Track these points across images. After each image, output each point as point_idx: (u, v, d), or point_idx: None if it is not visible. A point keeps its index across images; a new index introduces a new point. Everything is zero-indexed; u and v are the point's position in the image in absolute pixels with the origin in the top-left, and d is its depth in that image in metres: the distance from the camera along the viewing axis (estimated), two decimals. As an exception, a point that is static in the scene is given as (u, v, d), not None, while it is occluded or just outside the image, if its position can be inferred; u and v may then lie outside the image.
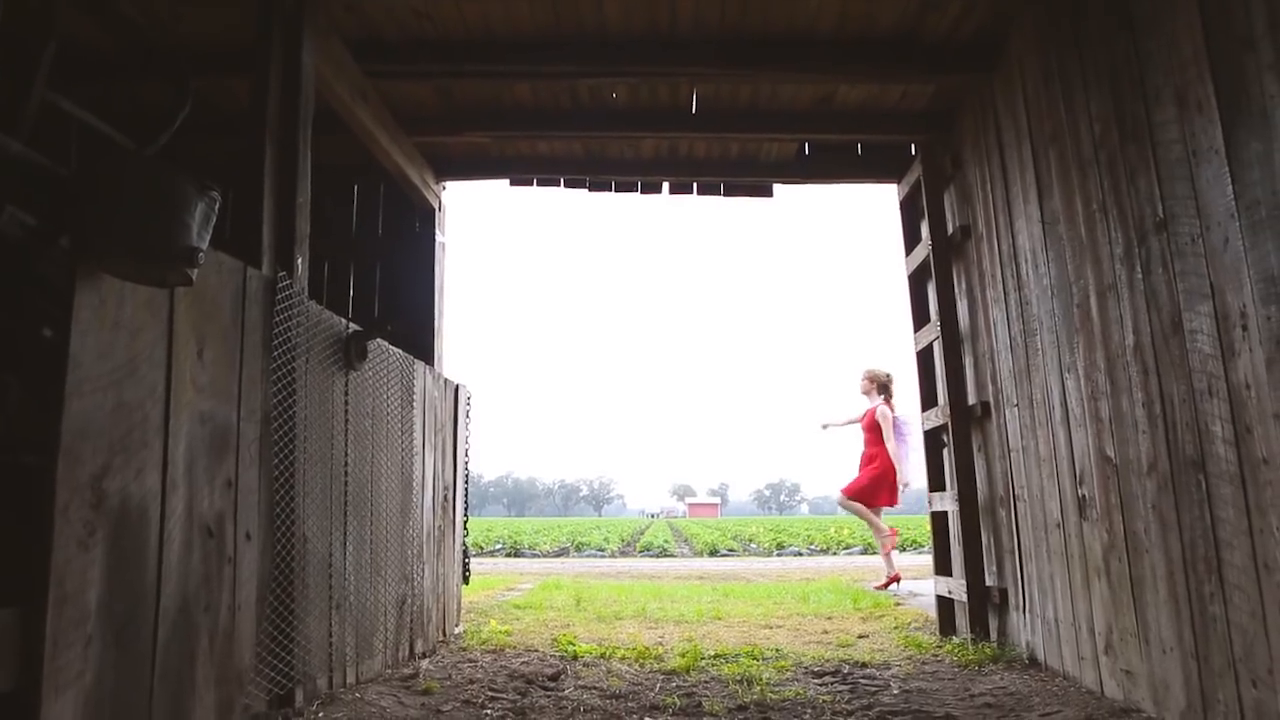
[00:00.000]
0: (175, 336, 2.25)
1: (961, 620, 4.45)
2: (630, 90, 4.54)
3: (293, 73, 3.20)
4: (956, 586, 4.46)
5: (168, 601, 2.19)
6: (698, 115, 4.70)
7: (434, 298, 5.22)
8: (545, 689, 3.33)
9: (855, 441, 7.05)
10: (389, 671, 3.53)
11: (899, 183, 5.14)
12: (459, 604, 4.83)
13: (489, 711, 2.96)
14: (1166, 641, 2.70)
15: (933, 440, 4.88)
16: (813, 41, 4.00)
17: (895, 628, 4.98)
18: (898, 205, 5.19)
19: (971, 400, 4.42)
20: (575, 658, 3.99)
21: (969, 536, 4.34)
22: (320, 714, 2.82)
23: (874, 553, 15.45)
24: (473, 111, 4.72)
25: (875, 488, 6.78)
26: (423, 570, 4.08)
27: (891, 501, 6.87)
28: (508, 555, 16.09)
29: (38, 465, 1.86)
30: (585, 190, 5.43)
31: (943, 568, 4.74)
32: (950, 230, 4.59)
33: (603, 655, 4.05)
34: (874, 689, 3.37)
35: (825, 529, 22.16)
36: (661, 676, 3.61)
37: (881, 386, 7.02)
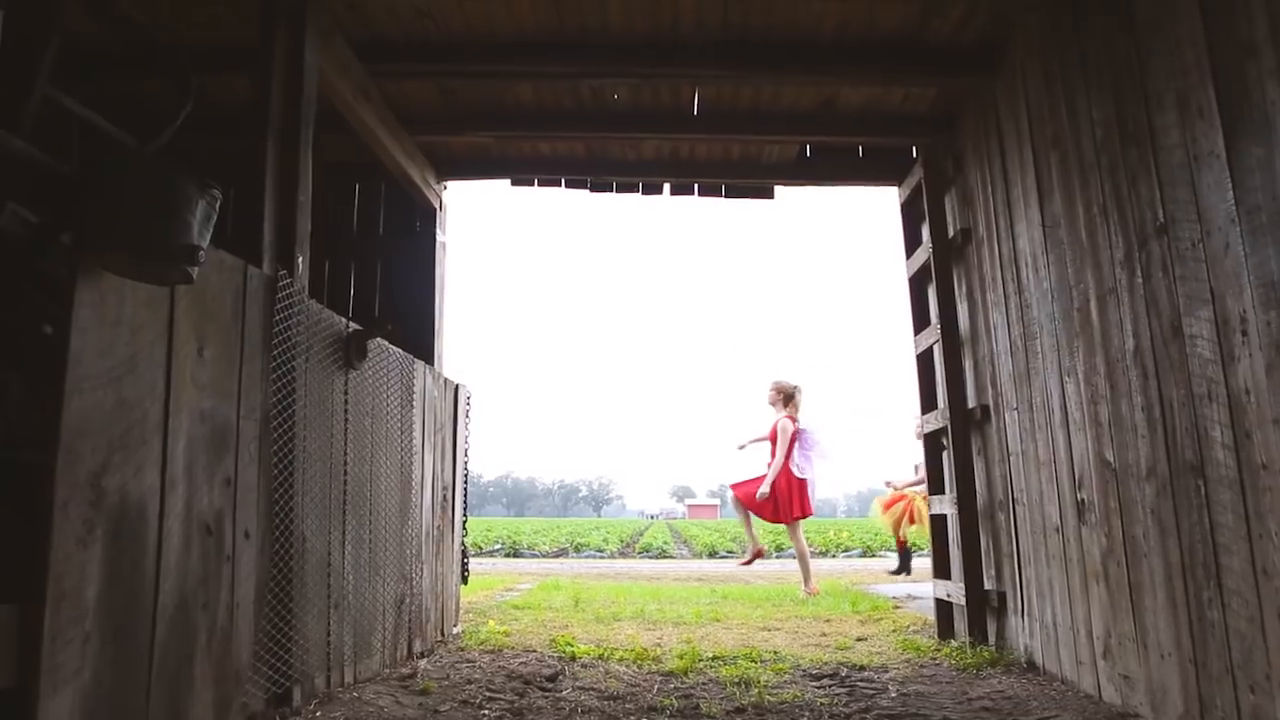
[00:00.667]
0: (175, 334, 2.25)
1: (960, 624, 4.45)
2: (632, 91, 4.54)
3: (295, 71, 3.20)
4: (955, 590, 4.46)
5: (166, 599, 2.19)
6: (699, 117, 4.71)
7: (434, 297, 5.22)
8: (543, 690, 3.33)
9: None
10: (387, 671, 3.53)
11: (900, 185, 5.14)
12: (457, 604, 4.83)
13: (486, 712, 2.96)
14: (1165, 646, 2.70)
15: (932, 443, 4.88)
16: (815, 44, 4.00)
17: (893, 631, 4.99)
18: (898, 208, 5.19)
19: (971, 403, 4.42)
20: (573, 659, 3.99)
21: (968, 540, 4.34)
22: (318, 713, 2.82)
23: (874, 555, 15.47)
24: (474, 111, 4.73)
25: (766, 502, 6.92)
26: (421, 570, 4.08)
27: (805, 512, 6.98)
28: (507, 555, 16.08)
29: (37, 462, 1.86)
30: (586, 191, 5.43)
31: (941, 571, 4.74)
32: (951, 233, 4.59)
33: (601, 656, 4.05)
34: (872, 692, 3.37)
35: (824, 531, 22.16)
36: (659, 678, 3.61)
37: (787, 398, 7.08)
